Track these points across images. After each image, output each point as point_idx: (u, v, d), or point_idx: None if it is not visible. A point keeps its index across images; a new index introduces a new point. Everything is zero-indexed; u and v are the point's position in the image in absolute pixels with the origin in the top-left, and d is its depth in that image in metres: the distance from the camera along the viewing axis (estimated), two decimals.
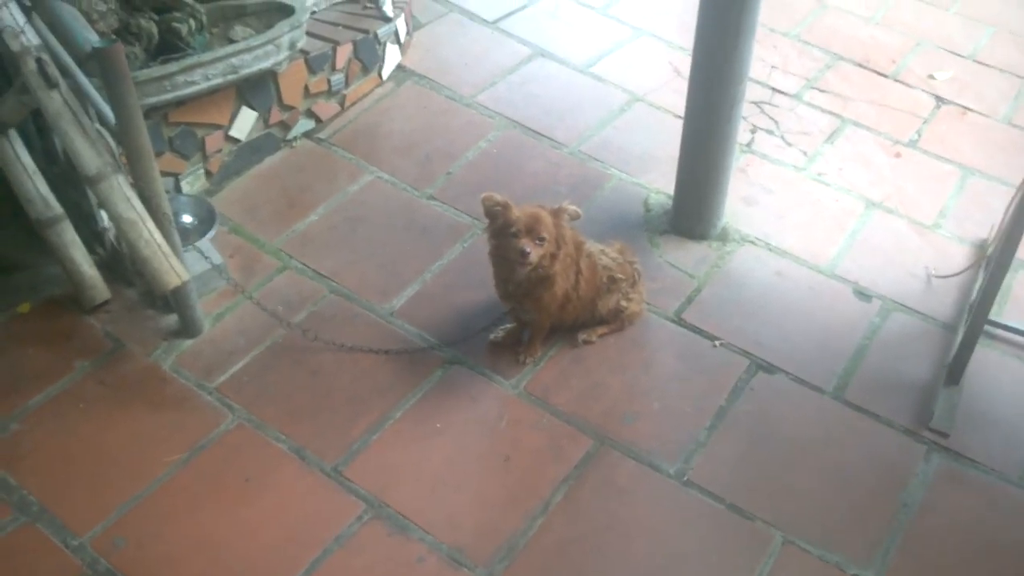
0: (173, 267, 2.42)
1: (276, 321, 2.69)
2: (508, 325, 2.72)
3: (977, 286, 2.87)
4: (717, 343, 2.73)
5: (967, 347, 2.58)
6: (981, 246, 3.15)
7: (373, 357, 2.67)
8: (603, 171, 3.35)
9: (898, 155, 3.55)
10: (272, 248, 3.02)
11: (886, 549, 2.25)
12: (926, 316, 2.88)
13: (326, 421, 2.50)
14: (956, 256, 3.11)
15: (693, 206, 3.04)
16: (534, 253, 2.33)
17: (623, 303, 2.66)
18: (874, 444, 2.48)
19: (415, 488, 2.34)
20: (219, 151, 3.19)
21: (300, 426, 2.48)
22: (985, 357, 2.72)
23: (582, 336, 2.70)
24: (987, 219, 3.21)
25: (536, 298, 2.51)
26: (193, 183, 3.17)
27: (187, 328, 2.73)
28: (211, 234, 2.88)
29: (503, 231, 2.37)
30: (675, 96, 3.68)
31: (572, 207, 2.41)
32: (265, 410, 2.53)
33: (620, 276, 2.62)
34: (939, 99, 3.85)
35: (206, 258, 2.60)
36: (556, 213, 2.39)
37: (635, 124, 3.56)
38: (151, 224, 2.41)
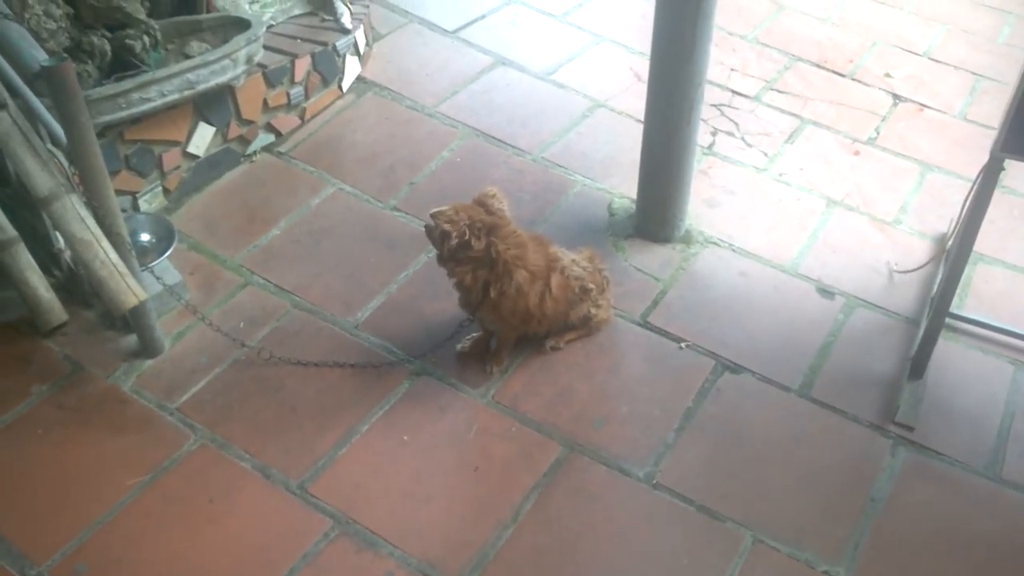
0: (130, 287, 2.38)
1: (231, 341, 2.64)
2: (475, 335, 2.71)
3: (938, 280, 2.90)
4: (683, 345, 2.73)
5: (929, 341, 2.60)
6: (941, 240, 3.18)
7: (338, 371, 2.64)
8: (566, 177, 3.35)
9: (857, 153, 3.59)
10: (233, 264, 2.98)
11: (856, 544, 2.25)
12: (889, 311, 2.91)
13: (291, 438, 2.46)
14: (917, 251, 3.15)
15: (656, 210, 3.05)
16: (433, 229, 2.40)
17: (592, 310, 2.66)
18: (841, 440, 2.49)
19: (383, 503, 2.31)
20: (177, 168, 3.15)
21: (264, 444, 2.45)
22: (947, 350, 2.74)
23: (550, 343, 2.69)
24: (946, 214, 3.25)
25: (491, 312, 2.50)
26: (151, 201, 3.13)
27: (147, 348, 2.68)
28: (169, 252, 2.84)
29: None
30: (636, 101, 3.68)
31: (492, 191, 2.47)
32: (228, 429, 2.49)
33: (591, 286, 2.62)
34: (896, 97, 3.90)
35: (158, 279, 2.55)
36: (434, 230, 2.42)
37: (597, 130, 3.57)
38: (106, 244, 2.37)
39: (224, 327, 2.72)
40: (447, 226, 2.34)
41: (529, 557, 2.20)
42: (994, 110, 3.79)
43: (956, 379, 2.68)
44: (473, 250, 2.35)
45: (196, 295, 2.88)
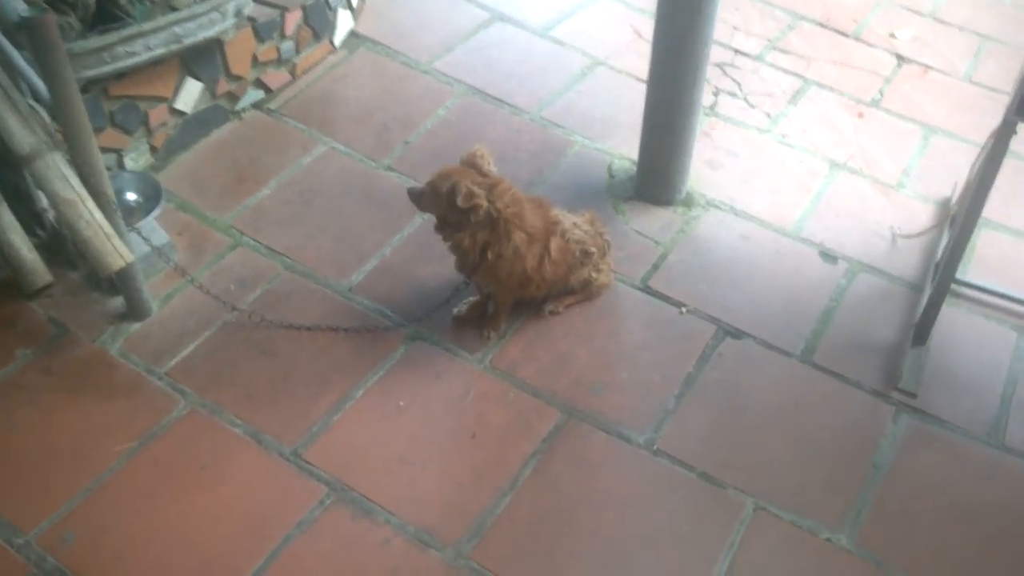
0: (116, 248, 2.30)
1: (221, 304, 2.57)
2: (472, 298, 2.65)
3: (942, 245, 2.85)
4: (684, 310, 2.68)
5: (933, 307, 2.56)
6: (944, 205, 3.13)
7: (332, 335, 2.58)
8: (565, 137, 3.27)
9: (861, 115, 3.52)
10: (222, 225, 2.90)
11: (858, 511, 2.23)
12: (892, 276, 2.86)
13: (284, 403, 2.41)
14: (920, 215, 3.09)
15: (658, 172, 2.97)
16: (417, 195, 2.39)
17: (593, 274, 2.60)
18: (844, 407, 2.46)
19: (379, 469, 2.27)
20: (164, 125, 3.05)
21: (256, 409, 2.39)
22: (951, 316, 2.70)
23: (548, 307, 2.63)
24: (950, 177, 3.20)
25: (487, 275, 2.43)
26: (137, 159, 3.03)
27: (134, 311, 2.61)
28: (156, 212, 2.76)
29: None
30: (637, 59, 3.60)
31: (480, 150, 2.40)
32: (219, 394, 2.43)
33: (592, 249, 2.55)
34: (900, 58, 3.81)
35: (145, 240, 2.47)
36: (443, 189, 2.34)
37: (597, 88, 3.48)
38: (91, 204, 2.29)
39: (214, 289, 2.64)
40: (460, 185, 2.28)
41: (527, 525, 2.17)
42: (999, 72, 3.72)
43: (959, 345, 2.65)
44: (479, 211, 2.28)
45: (184, 256, 2.80)
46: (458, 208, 2.28)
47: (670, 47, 2.70)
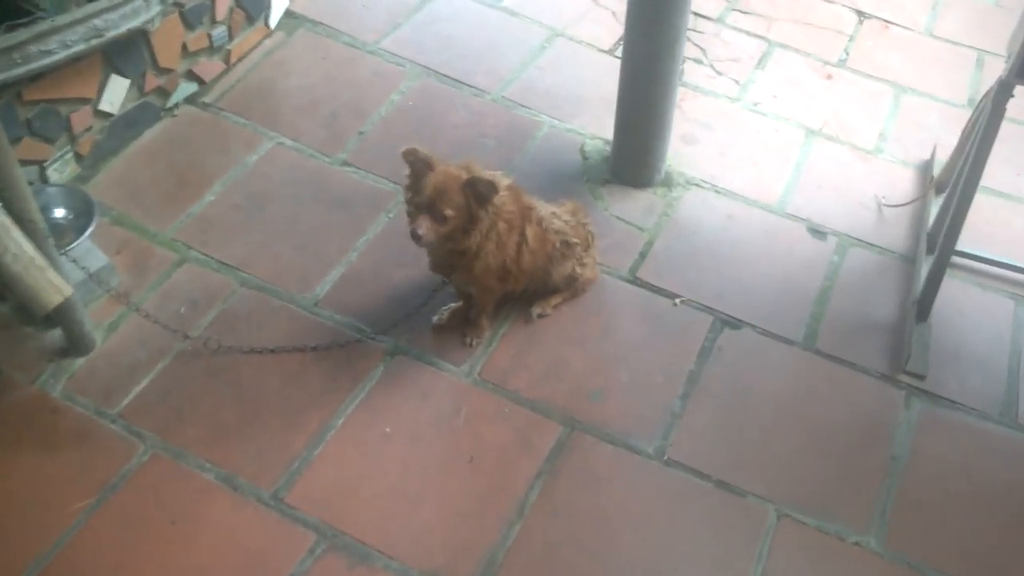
0: (52, 281, 2.02)
1: (170, 333, 2.32)
2: (451, 305, 2.44)
3: (932, 214, 2.75)
4: (677, 301, 2.53)
5: (934, 281, 2.46)
6: (925, 168, 3.04)
7: (301, 357, 2.35)
8: (532, 118, 3.05)
9: (829, 77, 3.39)
10: (165, 238, 2.62)
11: (882, 509, 2.13)
12: (883, 249, 2.75)
13: (256, 440, 2.18)
14: (902, 181, 2.99)
15: (635, 152, 2.79)
16: (429, 233, 2.04)
17: (577, 269, 2.42)
18: (853, 395, 2.35)
19: (371, 507, 2.07)
20: (89, 129, 2.73)
21: (226, 450, 2.16)
22: (948, 288, 2.60)
23: (535, 310, 2.45)
24: (926, 139, 3.11)
25: (465, 271, 2.22)
26: (62, 169, 2.71)
27: (76, 345, 2.33)
28: (90, 230, 2.46)
29: (413, 192, 2.09)
30: (597, 28, 3.40)
31: (506, 183, 2.13)
32: (182, 435, 2.19)
33: (574, 240, 2.37)
34: (860, 14, 3.69)
35: (81, 268, 2.19)
36: (474, 184, 2.06)
37: (559, 62, 3.26)
38: (17, 233, 1.99)
39: (162, 316, 2.38)
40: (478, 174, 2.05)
41: (541, 554, 2.01)
42: (959, 25, 3.63)
43: (959, 319, 2.56)
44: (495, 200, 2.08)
45: (126, 278, 2.52)
46: (475, 207, 2.05)
47: (646, 18, 2.50)
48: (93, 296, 2.43)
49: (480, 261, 2.17)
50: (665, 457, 2.19)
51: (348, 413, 2.24)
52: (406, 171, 2.11)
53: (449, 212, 2.03)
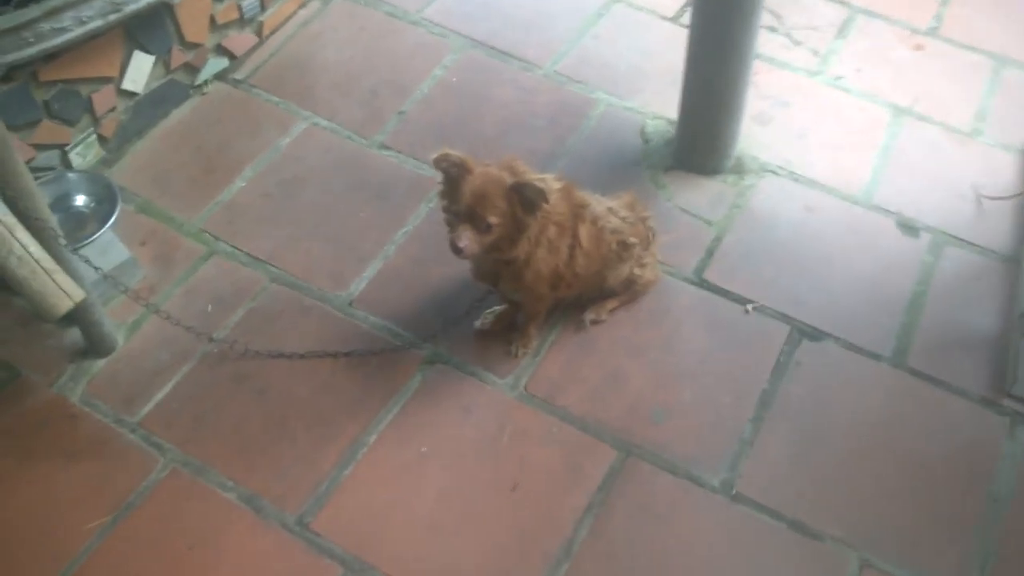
0: (61, 286, 1.85)
1: (195, 335, 2.14)
2: (496, 308, 2.22)
3: None
4: (749, 307, 2.27)
5: None
6: None
7: (333, 363, 2.16)
8: (587, 95, 2.78)
9: (919, 47, 3.03)
10: (193, 229, 2.44)
11: (983, 561, 1.86)
12: (983, 248, 2.44)
13: (282, 456, 2.01)
14: (1003, 168, 2.65)
15: (703, 135, 2.51)
16: (472, 244, 1.81)
17: (636, 271, 2.17)
18: (948, 422, 2.07)
19: (402, 538, 1.89)
20: (112, 110, 2.56)
21: (250, 466, 1.99)
22: None
23: (589, 316, 2.21)
24: None
25: (514, 280, 1.99)
26: (85, 153, 2.55)
27: (96, 347, 2.19)
28: (112, 220, 2.30)
29: (449, 201, 1.86)
30: None
31: (556, 187, 1.86)
32: (204, 448, 2.02)
33: (633, 240, 2.11)
34: None
35: (96, 269, 2.02)
36: (518, 187, 1.81)
37: (616, 32, 2.97)
38: (23, 233, 1.82)
39: (187, 314, 2.22)
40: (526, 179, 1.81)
41: None
42: None
43: None
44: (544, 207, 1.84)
45: (151, 271, 2.36)
46: (521, 212, 1.82)
47: None
48: (114, 293, 2.26)
49: (530, 269, 1.94)
50: (733, 492, 1.95)
51: (381, 429, 2.05)
52: (439, 176, 1.87)
53: (493, 219, 1.79)
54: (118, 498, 1.95)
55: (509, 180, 1.80)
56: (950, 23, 3.11)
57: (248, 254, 2.38)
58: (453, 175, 1.83)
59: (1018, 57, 2.99)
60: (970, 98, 2.87)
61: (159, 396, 2.12)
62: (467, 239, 1.79)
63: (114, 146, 2.61)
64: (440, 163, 1.83)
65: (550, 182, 1.87)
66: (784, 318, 2.25)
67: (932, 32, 3.07)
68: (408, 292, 2.30)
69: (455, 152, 1.81)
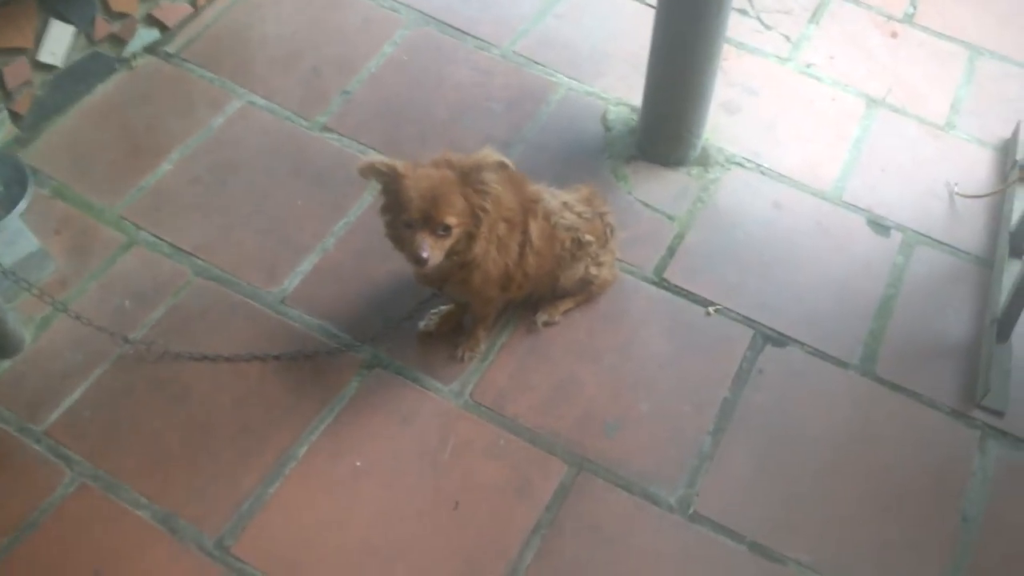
0: None
1: (109, 335, 1.96)
2: (442, 307, 2.06)
3: (1019, 208, 2.31)
4: (711, 309, 2.13)
5: (1020, 294, 2.03)
6: (1004, 149, 2.58)
7: (261, 367, 1.99)
8: (547, 78, 2.61)
9: (894, 34, 2.91)
10: (112, 216, 2.25)
11: None
12: (955, 249, 2.33)
13: (202, 470, 1.84)
14: (978, 164, 2.54)
15: (668, 124, 2.36)
16: (434, 252, 1.65)
17: (592, 270, 2.01)
18: (918, 436, 1.96)
19: (335, 561, 1.73)
20: (27, 84, 2.34)
21: (167, 481, 1.82)
22: None
23: (541, 317, 2.06)
24: (1007, 113, 2.65)
25: (462, 282, 1.83)
26: None
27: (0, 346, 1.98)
28: (22, 205, 2.09)
29: (394, 213, 1.69)
30: None
31: (495, 159, 1.68)
32: (117, 460, 1.85)
33: (589, 238, 1.96)
34: None
35: None
36: (468, 177, 1.66)
37: (580, 11, 2.81)
38: None
39: (103, 310, 2.04)
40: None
41: None
42: None
43: None
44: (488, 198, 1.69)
45: (64, 263, 2.16)
46: (478, 205, 1.67)
47: None
48: (21, 288, 2.06)
49: (479, 270, 1.78)
50: (691, 511, 1.81)
51: (312, 441, 1.88)
52: (376, 186, 1.70)
53: (451, 220, 1.64)
54: (18, 516, 1.77)
55: (454, 174, 1.63)
56: (925, 10, 2.99)
57: (172, 245, 2.19)
58: (388, 182, 1.66)
59: (993, 47, 2.88)
60: (945, 89, 2.75)
61: (68, 402, 1.93)
62: (428, 247, 1.62)
63: (29, 124, 2.39)
64: (367, 175, 1.66)
65: (493, 156, 1.70)
66: (747, 321, 2.11)
67: (908, 19, 2.95)
68: (347, 289, 2.13)
69: (381, 159, 1.65)
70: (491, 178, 1.69)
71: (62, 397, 1.94)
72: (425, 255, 1.63)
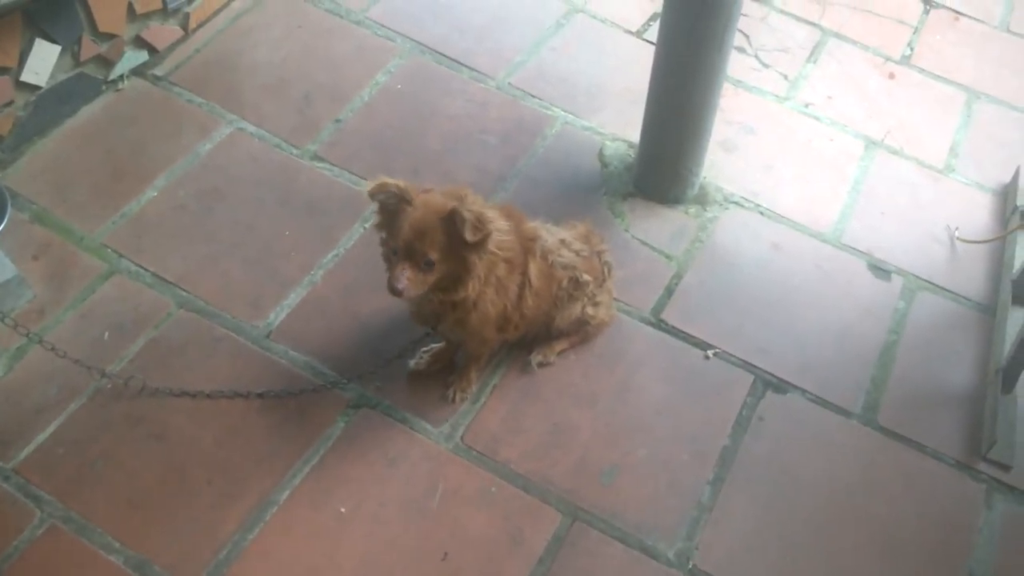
0: None
1: (86, 369, 1.87)
2: (434, 345, 1.99)
3: (1021, 256, 2.28)
4: (710, 353, 2.07)
5: None
6: (1003, 193, 2.56)
7: (243, 405, 1.91)
8: (542, 111, 2.57)
9: (892, 76, 2.90)
10: (93, 243, 2.17)
11: None
12: (956, 295, 2.29)
13: (180, 514, 1.75)
14: (978, 208, 2.52)
15: (666, 161, 2.32)
16: (412, 285, 1.59)
17: (589, 310, 1.95)
18: (922, 489, 1.91)
19: None
20: (9, 104, 2.27)
21: (142, 525, 1.73)
22: None
23: (536, 358, 1.99)
24: (1005, 157, 2.64)
25: (457, 322, 1.77)
26: None
27: None
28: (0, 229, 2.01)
29: (387, 235, 1.63)
30: (622, 4, 2.91)
31: (472, 212, 1.58)
32: (89, 502, 1.76)
33: (586, 278, 1.90)
34: (926, 2, 3.18)
35: None
36: (453, 214, 1.59)
37: (576, 44, 2.77)
38: None
39: (81, 342, 1.95)
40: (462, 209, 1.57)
41: None
42: None
43: None
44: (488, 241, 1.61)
45: (42, 291, 2.08)
46: (464, 247, 1.59)
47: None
48: None
49: (477, 311, 1.71)
50: (690, 565, 1.74)
51: (295, 485, 1.80)
52: (373, 206, 1.64)
53: (432, 255, 1.56)
54: None
55: (448, 208, 1.57)
56: (923, 51, 2.98)
57: (154, 274, 2.11)
58: (391, 206, 1.60)
59: (990, 91, 2.88)
60: (943, 132, 2.74)
61: (40, 438, 1.84)
62: (406, 279, 1.56)
63: (10, 145, 2.31)
64: (376, 194, 1.59)
65: (492, 215, 1.64)
66: (747, 366, 2.06)
67: (905, 60, 2.94)
68: (335, 325, 2.06)
69: (394, 180, 1.58)
70: (499, 225, 1.64)
71: (34, 433, 1.85)
72: (400, 286, 1.57)
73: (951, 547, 1.82)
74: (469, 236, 1.55)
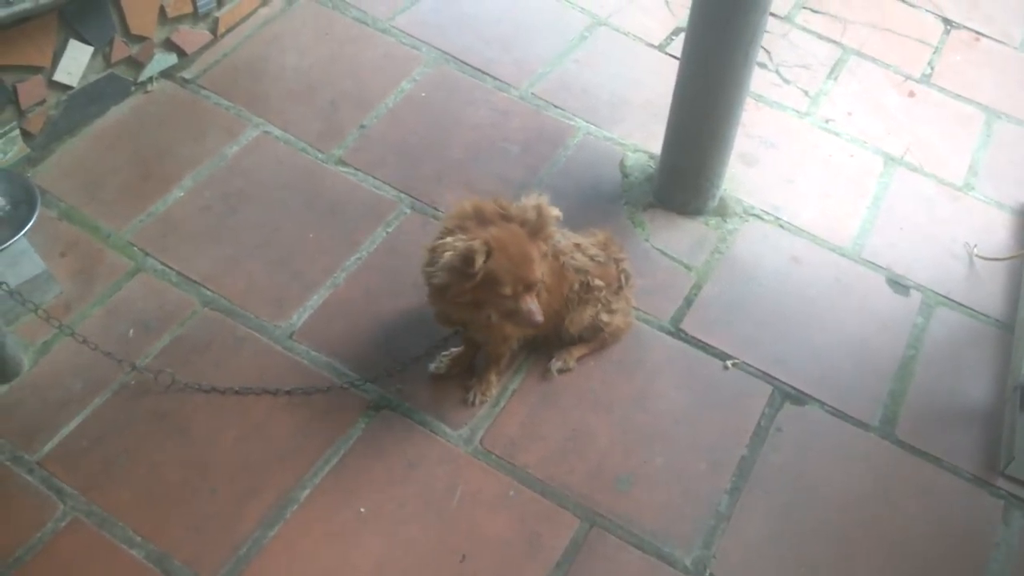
0: None
1: (114, 362, 1.90)
2: (454, 349, 2.00)
3: None
4: (729, 363, 2.08)
5: None
6: (1023, 213, 2.56)
7: (267, 402, 1.93)
8: (564, 121, 2.60)
9: (912, 94, 2.91)
10: (120, 241, 2.20)
11: None
12: (974, 311, 2.29)
13: (200, 510, 1.76)
14: (997, 226, 2.53)
15: (687, 173, 2.34)
16: (540, 311, 1.68)
17: (604, 316, 1.97)
18: (939, 504, 1.91)
19: None
20: (41, 103, 2.30)
21: (163, 520, 1.75)
22: None
23: (556, 364, 2.01)
24: (1023, 176, 2.63)
25: (485, 319, 1.77)
26: (6, 149, 2.29)
27: None
28: (29, 225, 2.04)
29: (485, 292, 1.65)
30: (646, 18, 2.93)
31: (555, 214, 1.69)
32: (112, 496, 1.77)
33: (598, 283, 1.92)
34: (947, 22, 3.20)
35: (1, 284, 1.77)
36: (536, 231, 1.67)
37: (599, 56, 2.80)
38: None
39: (106, 338, 1.97)
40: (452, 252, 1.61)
41: None
42: None
43: None
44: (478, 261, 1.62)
45: (69, 287, 2.10)
46: (474, 280, 1.63)
47: (715, 14, 2.03)
48: (22, 309, 2.00)
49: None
50: (707, 573, 1.75)
51: (316, 483, 1.81)
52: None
53: (537, 277, 1.67)
54: (5, 551, 1.69)
55: (522, 229, 1.65)
56: (943, 71, 3.00)
57: (180, 273, 2.14)
58: (466, 267, 1.61)
59: (1009, 111, 2.89)
60: (963, 150, 2.74)
61: (65, 431, 1.87)
62: (537, 308, 1.67)
63: (40, 143, 2.35)
64: (455, 264, 1.61)
65: (542, 203, 1.69)
66: (766, 377, 2.07)
67: (925, 79, 2.95)
68: (356, 327, 2.08)
69: (458, 245, 1.60)
70: (554, 231, 1.72)
71: (59, 426, 1.87)
72: (540, 319, 1.66)
73: (967, 562, 1.82)
74: (465, 267, 1.59)
